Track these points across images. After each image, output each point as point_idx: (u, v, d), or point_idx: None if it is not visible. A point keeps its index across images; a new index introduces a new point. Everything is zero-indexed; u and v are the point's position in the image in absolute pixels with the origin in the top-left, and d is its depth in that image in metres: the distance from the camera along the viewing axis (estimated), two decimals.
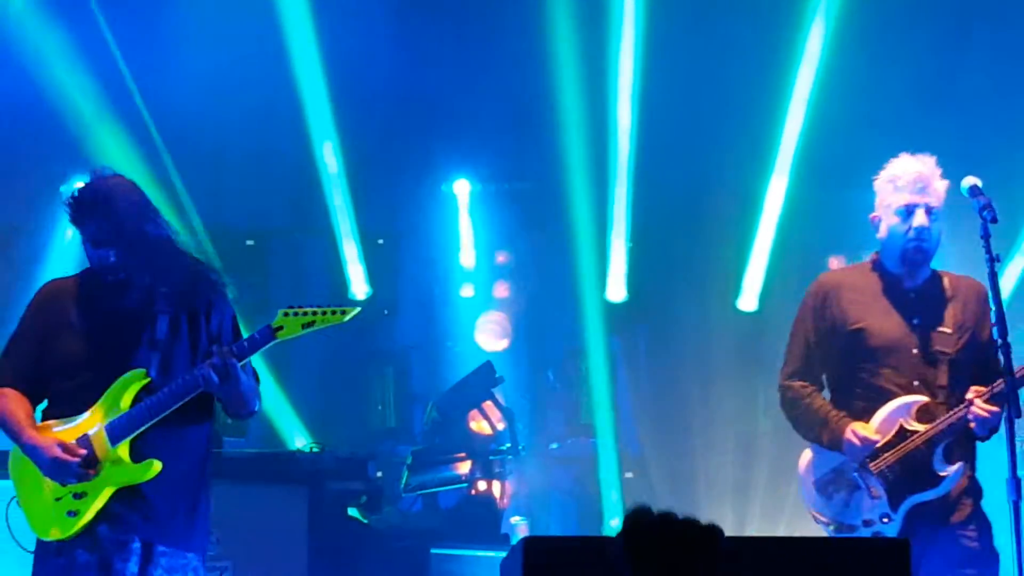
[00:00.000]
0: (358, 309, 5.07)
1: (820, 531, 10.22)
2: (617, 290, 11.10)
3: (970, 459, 5.43)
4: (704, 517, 10.54)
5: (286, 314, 5.03)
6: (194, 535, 5.14)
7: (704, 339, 11.21)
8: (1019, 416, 5.12)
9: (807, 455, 5.61)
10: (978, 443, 5.46)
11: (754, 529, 10.72)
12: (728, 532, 10.55)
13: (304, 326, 5.02)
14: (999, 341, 4.99)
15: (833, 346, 5.53)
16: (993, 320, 5.03)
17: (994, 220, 5.11)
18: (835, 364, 5.56)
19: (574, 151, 10.61)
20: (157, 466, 4.99)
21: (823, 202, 11.10)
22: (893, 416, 5.33)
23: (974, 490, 5.41)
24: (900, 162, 5.49)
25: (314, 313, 5.03)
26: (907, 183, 5.41)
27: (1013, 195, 10.23)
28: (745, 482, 11.00)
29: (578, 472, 10.93)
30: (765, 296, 11.13)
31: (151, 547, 5.01)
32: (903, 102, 9.78)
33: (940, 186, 5.44)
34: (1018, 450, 5.97)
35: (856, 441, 5.32)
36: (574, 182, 10.75)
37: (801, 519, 10.53)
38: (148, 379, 5.06)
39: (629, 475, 11.04)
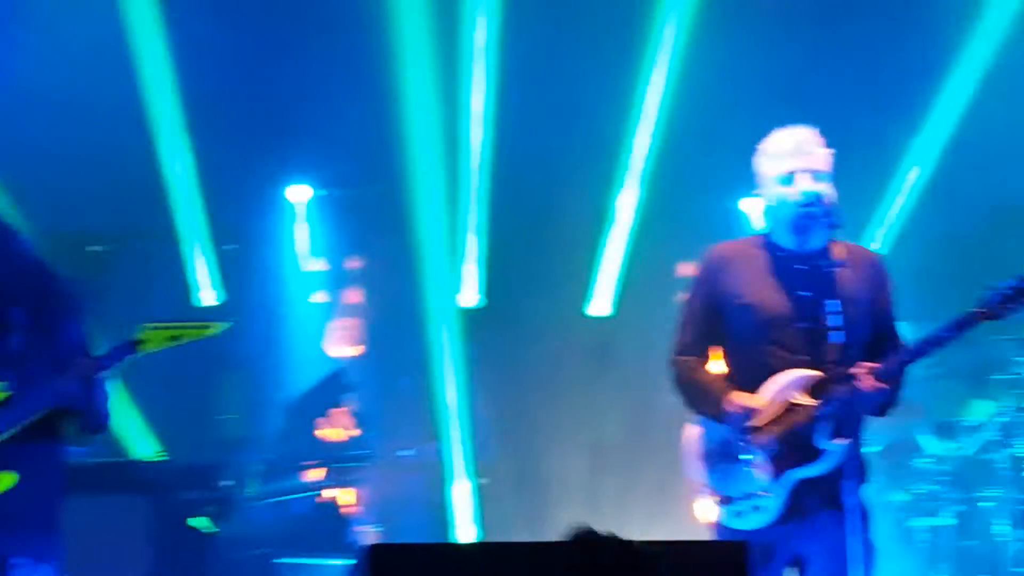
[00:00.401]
0: (228, 324, 5.07)
1: (670, 535, 10.27)
2: (471, 295, 11.09)
3: (858, 439, 5.31)
4: (556, 522, 10.54)
5: (151, 328, 5.01)
6: (49, 547, 5.08)
7: (558, 344, 11.25)
8: (866, 412, 5.13)
9: (695, 428, 5.45)
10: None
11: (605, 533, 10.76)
12: None
13: (169, 339, 5.03)
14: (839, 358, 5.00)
15: (722, 321, 5.39)
16: (841, 324, 5.00)
17: (834, 227, 5.10)
18: (725, 339, 5.42)
19: (427, 155, 10.58)
20: (10, 478, 4.89)
21: (676, 208, 11.23)
22: (783, 389, 5.20)
23: (860, 475, 5.28)
24: (777, 134, 5.41)
25: (180, 327, 5.01)
26: (786, 151, 5.31)
27: (866, 195, 10.49)
28: (597, 487, 11.06)
29: (431, 479, 10.90)
30: (618, 301, 11.21)
31: (4, 560, 4.95)
32: (755, 110, 9.88)
33: (822, 151, 5.35)
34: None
35: (734, 409, 5.20)
36: (427, 186, 10.73)
37: (653, 523, 10.66)
38: (7, 394, 4.96)
39: (483, 481, 11.03)
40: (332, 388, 9.76)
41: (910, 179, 10.83)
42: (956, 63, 10.27)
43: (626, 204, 10.99)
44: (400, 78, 10.18)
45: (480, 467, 10.99)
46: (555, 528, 11.28)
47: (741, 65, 10.02)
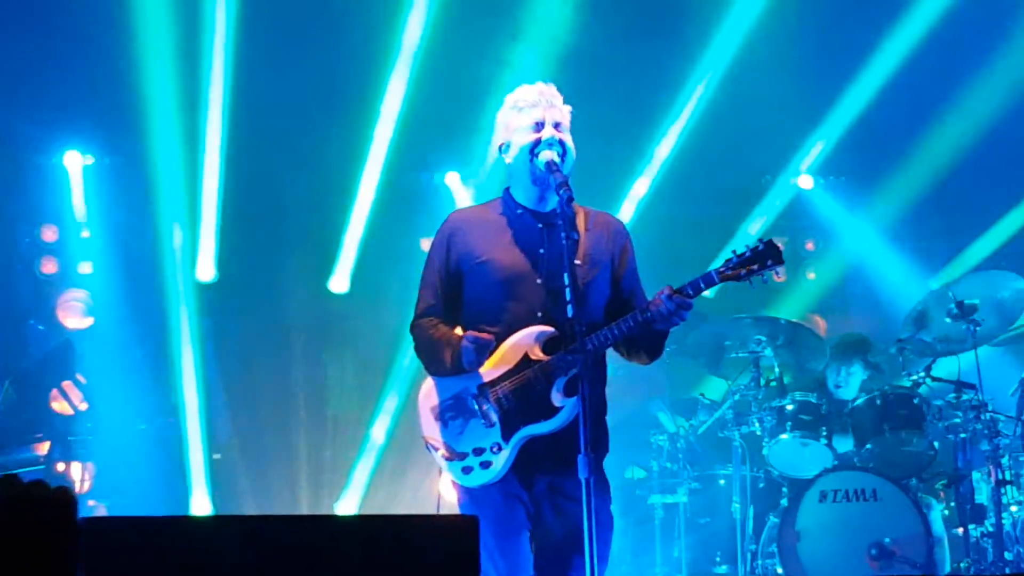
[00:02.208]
0: None
1: (409, 509, 10.34)
2: (207, 269, 10.97)
3: (600, 406, 5.29)
4: (283, 498, 10.39)
5: None
6: None
7: (295, 320, 11.24)
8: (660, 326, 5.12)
9: (428, 382, 5.35)
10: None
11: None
12: (307, 510, 10.38)
13: None
14: (573, 315, 4.89)
15: (461, 282, 5.36)
16: (569, 298, 4.91)
17: (570, 200, 5.06)
18: (464, 299, 5.36)
19: (166, 128, 10.40)
20: None
21: (414, 187, 11.34)
22: (520, 344, 5.18)
23: (600, 445, 5.25)
24: (520, 89, 5.43)
25: None
26: (531, 102, 5.36)
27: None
28: (335, 462, 11.10)
29: (165, 453, 10.78)
30: (356, 278, 11.24)
31: None
32: (488, 93, 9.95)
33: (565, 108, 5.41)
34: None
35: (471, 340, 5.13)
36: (165, 158, 10.57)
37: (392, 497, 10.74)
38: None
39: (217, 456, 10.95)
40: (61, 360, 9.56)
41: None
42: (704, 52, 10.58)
43: (368, 182, 11.04)
44: (144, 48, 9.95)
45: (215, 443, 10.92)
46: (283, 501, 11.20)
47: (483, 53, 10.05)
